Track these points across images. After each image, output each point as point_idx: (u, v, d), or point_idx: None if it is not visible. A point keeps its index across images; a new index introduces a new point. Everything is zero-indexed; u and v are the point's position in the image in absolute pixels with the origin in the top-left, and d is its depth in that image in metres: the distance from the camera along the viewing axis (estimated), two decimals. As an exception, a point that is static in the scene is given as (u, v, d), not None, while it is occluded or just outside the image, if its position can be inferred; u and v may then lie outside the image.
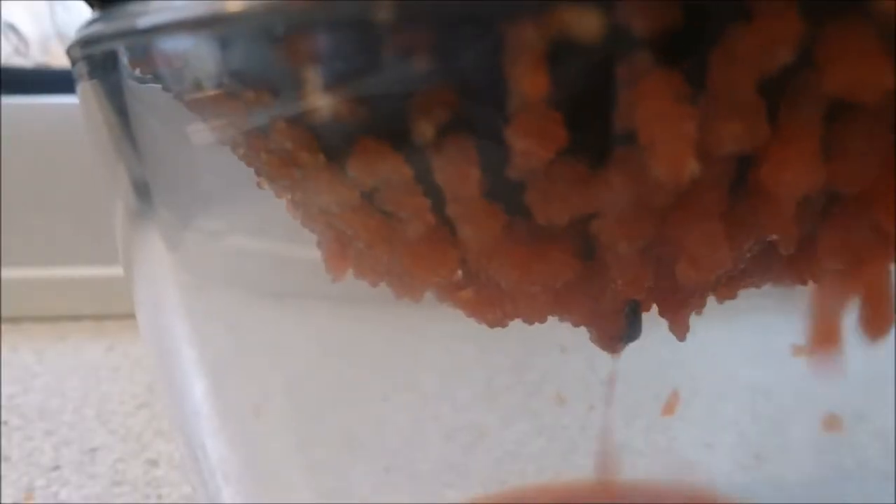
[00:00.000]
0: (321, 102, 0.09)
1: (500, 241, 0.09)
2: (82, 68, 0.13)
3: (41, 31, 0.52)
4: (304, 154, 0.09)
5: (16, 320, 0.47)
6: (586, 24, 0.07)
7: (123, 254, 0.15)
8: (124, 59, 0.11)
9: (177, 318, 0.15)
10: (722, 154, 0.08)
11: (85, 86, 0.13)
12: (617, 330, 0.10)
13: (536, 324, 0.10)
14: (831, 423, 0.18)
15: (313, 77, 0.08)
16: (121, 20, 0.11)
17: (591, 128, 0.08)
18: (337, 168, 0.09)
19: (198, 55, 0.09)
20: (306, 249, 0.12)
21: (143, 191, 0.14)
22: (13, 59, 0.51)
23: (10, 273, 0.47)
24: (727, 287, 0.11)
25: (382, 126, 0.09)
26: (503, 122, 0.08)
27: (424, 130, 0.08)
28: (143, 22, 0.10)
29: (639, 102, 0.08)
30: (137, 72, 0.11)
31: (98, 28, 0.11)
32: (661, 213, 0.09)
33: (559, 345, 0.19)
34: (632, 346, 0.11)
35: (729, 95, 0.08)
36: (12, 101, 0.47)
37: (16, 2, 0.52)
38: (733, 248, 0.09)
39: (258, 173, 0.11)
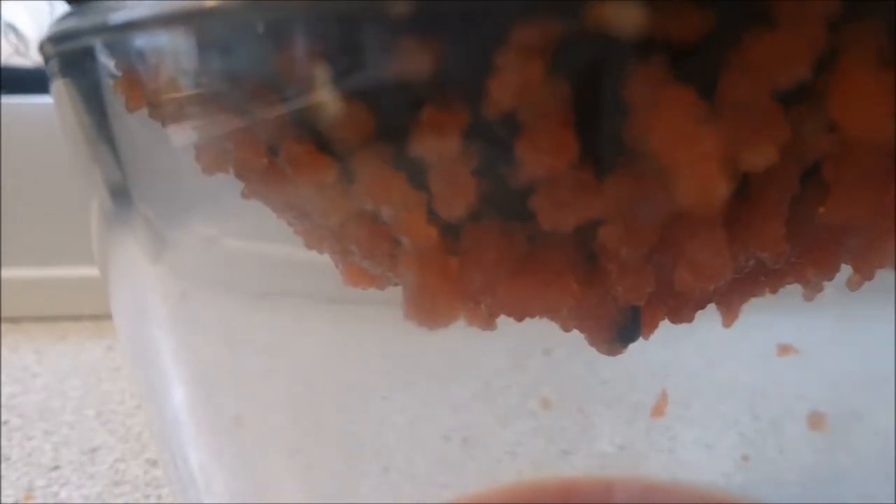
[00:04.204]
0: (326, 102, 0.08)
1: (499, 268, 0.09)
2: (56, 65, 0.12)
3: (41, 31, 0.52)
4: (309, 168, 0.09)
5: (16, 320, 0.47)
6: (626, 19, 0.07)
7: (99, 257, 0.14)
8: (101, 56, 0.11)
9: (159, 324, 0.15)
10: (753, 170, 0.08)
11: (59, 84, 0.12)
12: (614, 333, 0.10)
13: (533, 325, 0.10)
14: (816, 421, 0.18)
15: (319, 76, 0.08)
16: (97, 14, 0.10)
17: (598, 135, 0.08)
18: (341, 183, 0.09)
19: (186, 52, 0.09)
20: (299, 250, 0.11)
21: (120, 193, 0.13)
22: (13, 59, 0.51)
23: (10, 273, 0.47)
24: (726, 296, 0.11)
25: (384, 129, 0.09)
26: (508, 128, 0.08)
27: (434, 148, 0.08)
28: (121, 16, 0.09)
29: (658, 124, 0.07)
30: (115, 68, 0.11)
31: (73, 23, 0.11)
32: (664, 219, 0.09)
33: (543, 347, 0.19)
34: (632, 346, 0.11)
35: (754, 109, 0.07)
36: (12, 101, 0.47)
37: (16, 2, 0.52)
38: (733, 257, 0.09)
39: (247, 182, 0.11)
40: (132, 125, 0.11)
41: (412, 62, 0.08)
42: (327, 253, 0.11)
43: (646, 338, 0.11)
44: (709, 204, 0.07)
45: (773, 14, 0.07)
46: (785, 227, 0.09)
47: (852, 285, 0.10)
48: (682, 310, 0.10)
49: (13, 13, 0.51)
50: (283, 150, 0.09)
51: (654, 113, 0.07)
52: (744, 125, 0.08)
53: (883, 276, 0.10)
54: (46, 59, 0.12)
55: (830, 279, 0.10)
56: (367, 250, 0.10)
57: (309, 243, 0.11)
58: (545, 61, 0.07)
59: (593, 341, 0.10)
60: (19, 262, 0.48)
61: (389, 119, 0.08)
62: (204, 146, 0.10)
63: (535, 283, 0.09)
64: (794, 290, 0.11)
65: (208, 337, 0.16)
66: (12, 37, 0.51)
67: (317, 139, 0.09)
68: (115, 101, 0.11)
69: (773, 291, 0.11)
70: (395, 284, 0.11)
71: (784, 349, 0.17)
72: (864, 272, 0.10)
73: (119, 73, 0.11)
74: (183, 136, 0.10)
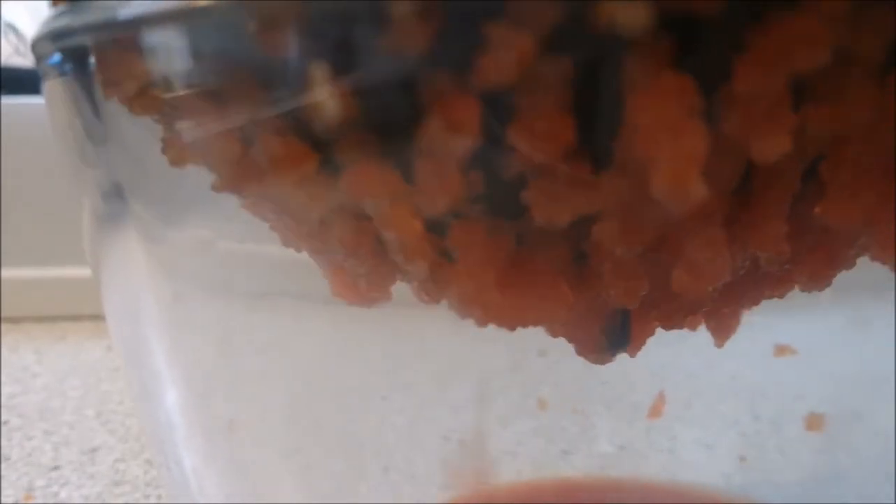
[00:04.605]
0: (325, 99, 0.08)
1: (487, 269, 0.09)
2: (48, 64, 0.12)
3: (41, 31, 0.52)
4: (293, 161, 0.09)
5: (16, 320, 0.47)
6: (633, 18, 0.07)
7: (92, 258, 0.14)
8: (95, 55, 0.10)
9: (152, 326, 0.14)
10: (764, 161, 0.08)
11: (53, 83, 0.12)
12: (602, 341, 0.10)
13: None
14: (814, 422, 0.18)
15: (316, 72, 0.08)
16: (91, 12, 0.10)
17: (597, 126, 0.08)
18: (325, 177, 0.09)
19: (184, 49, 0.09)
20: (295, 251, 0.11)
21: (114, 194, 0.13)
22: (13, 59, 0.51)
23: (10, 273, 0.47)
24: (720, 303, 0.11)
25: (369, 118, 0.08)
26: (502, 118, 0.08)
27: (445, 140, 0.08)
28: (118, 13, 0.09)
29: (647, 110, 0.07)
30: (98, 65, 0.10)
31: (67, 21, 0.10)
32: (663, 216, 0.08)
33: (541, 348, 0.19)
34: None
35: (769, 96, 0.07)
36: (12, 101, 0.47)
37: (16, 2, 0.52)
38: (732, 257, 0.09)
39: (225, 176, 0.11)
40: (126, 125, 0.11)
41: (406, 38, 0.08)
42: (306, 252, 0.11)
43: (632, 355, 0.10)
44: (681, 204, 0.07)
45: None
46: (786, 226, 0.09)
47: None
48: (673, 315, 0.10)
49: (13, 13, 0.51)
50: (261, 142, 0.09)
51: (645, 97, 0.07)
52: (757, 113, 0.07)
53: (883, 276, 0.10)
54: (39, 58, 0.12)
55: (822, 289, 0.10)
56: (351, 247, 0.10)
57: (286, 241, 0.11)
58: (538, 38, 0.07)
59: (582, 350, 0.10)
60: (19, 262, 0.48)
61: (376, 107, 0.08)
62: (171, 136, 0.10)
63: (529, 295, 0.09)
64: (794, 289, 0.11)
65: (202, 338, 0.15)
66: (12, 37, 0.51)
67: (296, 128, 0.09)
68: (111, 100, 0.11)
69: (756, 303, 0.11)
70: (381, 301, 0.11)
71: (781, 350, 0.17)
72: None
73: (96, 59, 0.10)
74: (171, 128, 0.10)
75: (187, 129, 0.10)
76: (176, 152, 0.10)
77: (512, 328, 0.09)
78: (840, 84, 0.08)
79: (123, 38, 0.10)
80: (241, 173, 0.09)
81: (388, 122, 0.08)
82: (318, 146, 0.09)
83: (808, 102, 0.08)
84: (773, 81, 0.07)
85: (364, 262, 0.10)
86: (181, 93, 0.09)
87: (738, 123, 0.07)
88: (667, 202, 0.07)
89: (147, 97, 0.10)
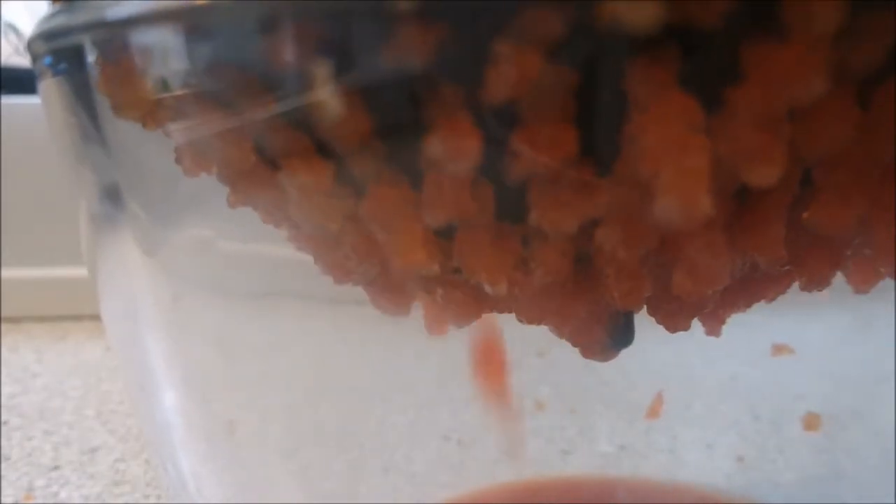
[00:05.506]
0: (323, 99, 0.08)
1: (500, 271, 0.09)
2: (45, 64, 0.12)
3: (41, 31, 0.52)
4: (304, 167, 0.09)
5: (16, 320, 0.47)
6: (640, 15, 0.07)
7: (89, 259, 0.14)
8: (91, 55, 0.10)
9: (150, 327, 0.14)
10: (753, 187, 0.08)
11: (49, 83, 0.12)
12: (607, 341, 0.10)
13: (532, 326, 0.10)
14: (811, 422, 0.18)
15: (320, 72, 0.08)
16: (87, 11, 0.10)
17: (600, 133, 0.08)
18: (340, 188, 0.09)
19: (175, 49, 0.09)
20: (295, 251, 0.11)
21: (112, 194, 0.13)
22: (13, 59, 0.51)
23: (10, 273, 0.47)
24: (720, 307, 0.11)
25: (388, 134, 0.08)
26: (507, 123, 0.08)
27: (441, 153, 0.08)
28: (115, 13, 0.09)
29: (651, 127, 0.07)
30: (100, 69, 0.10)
31: (62, 20, 0.10)
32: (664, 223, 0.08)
33: (540, 347, 0.19)
34: (632, 346, 0.11)
35: (763, 124, 0.07)
36: (12, 101, 0.47)
37: (16, 2, 0.52)
38: (732, 260, 0.09)
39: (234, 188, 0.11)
40: (123, 124, 0.11)
41: (411, 48, 0.08)
42: (327, 265, 0.11)
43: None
44: (689, 221, 0.07)
45: (783, 19, 0.07)
46: (784, 230, 0.09)
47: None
48: (676, 317, 0.10)
49: (13, 13, 0.51)
50: (278, 156, 0.09)
51: (650, 114, 0.07)
52: (748, 142, 0.07)
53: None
54: (34, 58, 0.12)
55: (822, 289, 0.10)
56: (364, 254, 0.10)
57: (308, 251, 0.11)
58: (544, 53, 0.07)
59: (587, 353, 0.10)
60: (19, 262, 0.48)
61: (383, 114, 0.08)
62: (184, 146, 0.10)
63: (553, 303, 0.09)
64: (794, 290, 0.11)
65: (202, 338, 0.15)
66: (12, 37, 0.51)
67: (312, 140, 0.09)
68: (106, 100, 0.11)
69: (748, 306, 0.11)
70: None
71: (779, 349, 0.17)
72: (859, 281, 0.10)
73: (99, 70, 0.10)
74: (175, 136, 0.10)
75: (195, 133, 0.10)
76: (189, 162, 0.10)
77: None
78: (822, 106, 0.08)
79: (124, 45, 0.10)
80: (254, 182, 0.09)
81: (396, 131, 0.08)
82: (331, 157, 0.09)
83: (794, 122, 0.08)
84: (771, 111, 0.07)
85: (374, 268, 0.10)
86: (183, 93, 0.09)
87: (730, 151, 0.07)
88: (673, 218, 0.07)
89: (158, 112, 0.10)
